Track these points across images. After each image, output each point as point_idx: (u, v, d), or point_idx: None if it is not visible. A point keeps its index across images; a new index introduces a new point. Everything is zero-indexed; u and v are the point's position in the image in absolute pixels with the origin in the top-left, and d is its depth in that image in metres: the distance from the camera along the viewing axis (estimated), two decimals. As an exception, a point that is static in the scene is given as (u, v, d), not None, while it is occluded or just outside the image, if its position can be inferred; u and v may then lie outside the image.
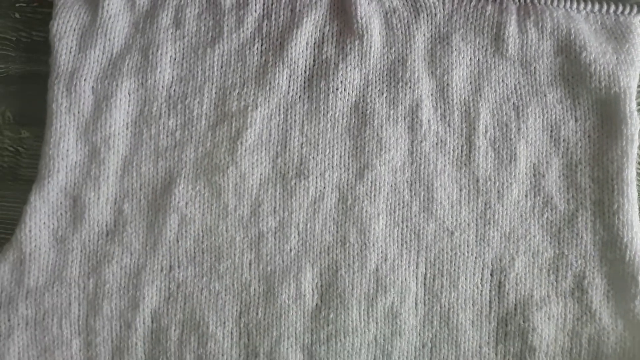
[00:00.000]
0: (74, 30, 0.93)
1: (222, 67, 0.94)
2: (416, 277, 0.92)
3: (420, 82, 0.93)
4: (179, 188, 0.91)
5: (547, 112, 0.93)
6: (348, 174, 0.92)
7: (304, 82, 0.94)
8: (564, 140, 0.93)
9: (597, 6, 0.93)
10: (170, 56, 0.93)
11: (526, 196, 0.93)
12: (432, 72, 0.94)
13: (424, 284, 0.92)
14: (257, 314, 0.91)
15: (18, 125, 0.98)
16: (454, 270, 0.92)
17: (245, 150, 0.92)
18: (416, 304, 0.92)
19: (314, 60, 0.94)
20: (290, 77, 0.94)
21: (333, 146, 0.93)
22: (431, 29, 0.94)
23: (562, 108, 0.94)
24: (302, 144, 0.93)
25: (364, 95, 0.93)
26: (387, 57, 0.94)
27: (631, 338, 0.91)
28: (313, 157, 0.92)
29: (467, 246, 0.92)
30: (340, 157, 0.93)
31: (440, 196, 0.92)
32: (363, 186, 0.92)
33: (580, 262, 0.92)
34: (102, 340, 0.90)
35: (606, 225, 0.92)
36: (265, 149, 0.92)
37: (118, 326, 0.91)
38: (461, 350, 0.91)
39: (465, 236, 0.92)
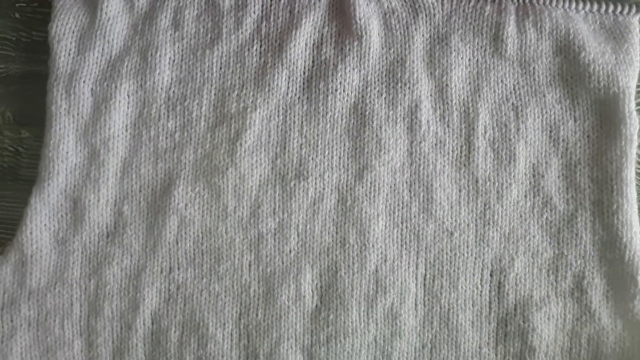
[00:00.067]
0: (73, 32, 0.93)
1: (221, 68, 0.93)
2: (416, 278, 0.92)
3: (419, 82, 0.93)
4: (179, 190, 0.91)
5: (546, 112, 0.93)
6: (347, 175, 0.92)
7: (303, 83, 0.94)
8: (563, 140, 0.93)
9: (595, 6, 0.93)
10: (169, 58, 0.93)
11: (525, 196, 0.93)
12: (431, 72, 0.94)
13: (424, 284, 0.92)
14: (257, 315, 0.91)
15: (18, 125, 0.98)
16: (454, 270, 0.92)
17: (245, 152, 0.92)
18: (416, 304, 0.92)
19: (312, 61, 0.94)
20: (289, 78, 0.93)
21: (332, 147, 0.93)
22: (430, 30, 0.94)
23: (561, 108, 0.93)
24: (301, 145, 0.93)
25: (363, 96, 0.93)
26: (386, 58, 0.94)
27: (630, 338, 0.92)
28: (312, 158, 0.92)
29: (467, 247, 0.92)
30: (340, 158, 0.93)
31: (439, 197, 0.92)
32: (362, 187, 0.92)
33: (579, 262, 0.92)
34: (103, 341, 0.91)
35: (605, 226, 0.92)
36: (265, 150, 0.92)
37: (119, 327, 0.91)
38: (461, 350, 0.92)
39: (464, 237, 0.92)
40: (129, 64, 0.93)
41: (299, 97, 0.93)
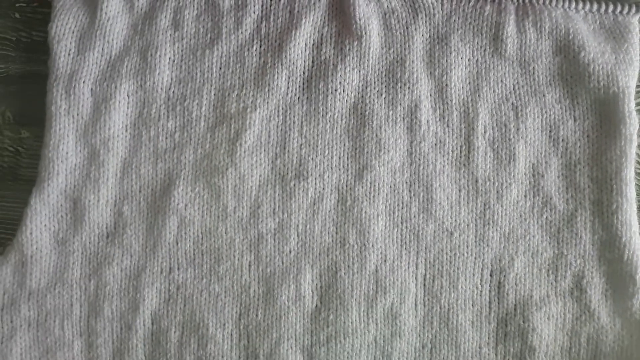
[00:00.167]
0: (73, 32, 0.93)
1: (220, 68, 0.93)
2: (416, 278, 0.92)
3: (419, 82, 0.93)
4: (178, 190, 0.91)
5: (546, 112, 0.93)
6: (347, 175, 0.92)
7: (303, 83, 0.94)
8: (562, 140, 0.93)
9: (595, 6, 0.93)
10: (169, 58, 0.93)
11: (525, 196, 0.93)
12: (430, 72, 0.94)
13: (424, 284, 0.92)
14: (256, 315, 0.91)
15: (18, 125, 0.98)
16: (454, 270, 0.92)
17: (245, 152, 0.92)
18: (416, 304, 0.92)
19: (312, 62, 0.94)
20: (289, 78, 0.93)
21: (332, 147, 0.93)
22: (430, 30, 0.94)
23: (560, 108, 0.93)
24: (301, 145, 0.93)
25: (362, 96, 0.93)
26: (386, 58, 0.94)
27: (629, 336, 0.92)
28: (312, 158, 0.92)
29: (467, 247, 0.92)
30: (340, 158, 0.93)
31: (439, 197, 0.92)
32: (362, 187, 0.92)
33: (579, 261, 0.92)
34: (103, 341, 0.91)
35: (605, 225, 0.92)
36: (265, 150, 0.92)
37: (119, 328, 0.91)
38: (461, 350, 0.92)
39: (464, 237, 0.92)
40: (128, 64, 0.93)
41: (298, 97, 0.93)
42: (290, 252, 0.92)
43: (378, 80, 0.93)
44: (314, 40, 0.94)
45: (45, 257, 0.90)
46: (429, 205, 0.92)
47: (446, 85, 0.93)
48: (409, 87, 0.93)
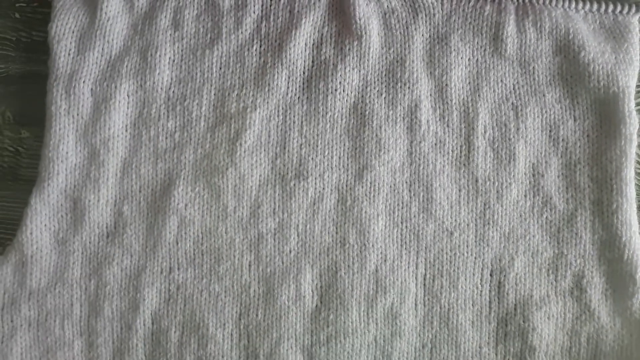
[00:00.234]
0: (73, 32, 0.93)
1: (220, 68, 0.93)
2: (416, 278, 0.92)
3: (419, 82, 0.93)
4: (179, 190, 0.91)
5: (546, 111, 0.93)
6: (347, 175, 0.92)
7: (303, 83, 0.94)
8: (562, 140, 0.93)
9: (595, 6, 0.93)
10: (169, 58, 0.93)
11: (525, 196, 0.93)
12: (430, 72, 0.94)
13: (424, 284, 0.92)
14: (257, 315, 0.91)
15: (18, 125, 0.98)
16: (454, 270, 0.92)
17: (245, 152, 0.92)
18: (416, 304, 0.92)
19: (312, 61, 0.94)
20: (289, 78, 0.93)
21: (332, 147, 0.93)
22: (430, 30, 0.94)
23: (560, 108, 0.93)
24: (301, 145, 0.93)
25: (362, 96, 0.93)
26: (386, 58, 0.94)
27: (629, 336, 0.92)
28: (312, 158, 0.92)
29: (467, 246, 0.92)
30: (340, 158, 0.93)
31: (439, 196, 0.92)
32: (362, 187, 0.92)
33: (579, 261, 0.92)
34: (103, 341, 0.91)
35: (605, 225, 0.92)
36: (265, 150, 0.92)
37: (119, 327, 0.91)
38: (461, 350, 0.92)
39: (464, 236, 0.92)
40: (128, 64, 0.93)
41: (298, 97, 0.93)
42: (290, 252, 0.92)
43: (378, 80, 0.93)
44: (314, 40, 0.94)
45: (45, 256, 0.90)
46: (429, 205, 0.92)
47: (446, 85, 0.93)
48: (409, 87, 0.93)
